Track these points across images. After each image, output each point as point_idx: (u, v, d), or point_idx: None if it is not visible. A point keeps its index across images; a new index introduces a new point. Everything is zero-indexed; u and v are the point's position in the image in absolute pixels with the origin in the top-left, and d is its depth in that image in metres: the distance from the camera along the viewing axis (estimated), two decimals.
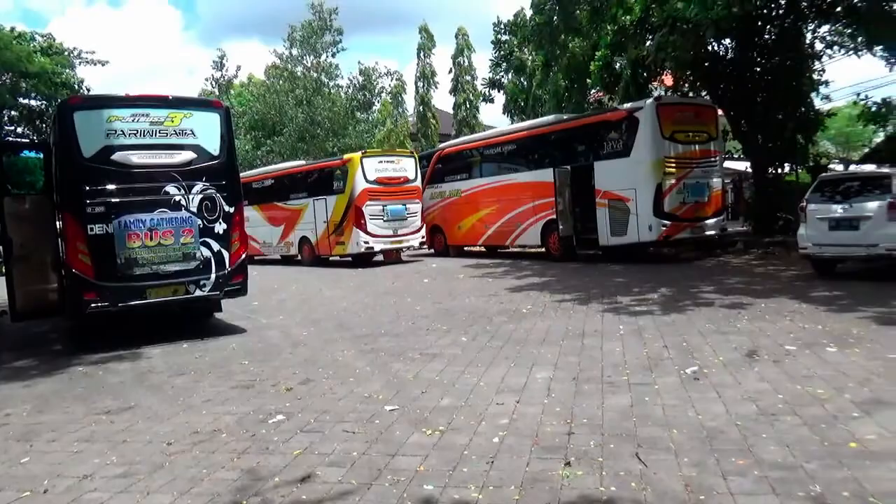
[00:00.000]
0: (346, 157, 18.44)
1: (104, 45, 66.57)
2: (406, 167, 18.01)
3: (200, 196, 8.49)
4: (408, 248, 18.32)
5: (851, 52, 16.72)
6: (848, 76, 60.63)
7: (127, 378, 6.76)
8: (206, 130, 8.66)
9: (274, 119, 34.65)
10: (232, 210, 8.76)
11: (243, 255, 9.00)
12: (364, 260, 18.15)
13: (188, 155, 8.49)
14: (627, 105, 14.87)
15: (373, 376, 6.11)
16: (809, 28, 17.23)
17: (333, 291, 13.04)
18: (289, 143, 33.45)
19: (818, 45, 17.54)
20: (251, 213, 19.41)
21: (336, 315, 10.09)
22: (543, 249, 16.55)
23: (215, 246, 8.61)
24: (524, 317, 8.73)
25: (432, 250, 19.98)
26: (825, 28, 17.08)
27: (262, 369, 6.72)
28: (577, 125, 15.83)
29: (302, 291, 13.57)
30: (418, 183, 18.28)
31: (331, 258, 19.02)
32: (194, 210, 8.43)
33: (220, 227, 8.65)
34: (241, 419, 5.02)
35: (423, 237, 18.34)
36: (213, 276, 8.58)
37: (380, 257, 18.63)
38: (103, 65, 24.92)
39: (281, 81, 35.11)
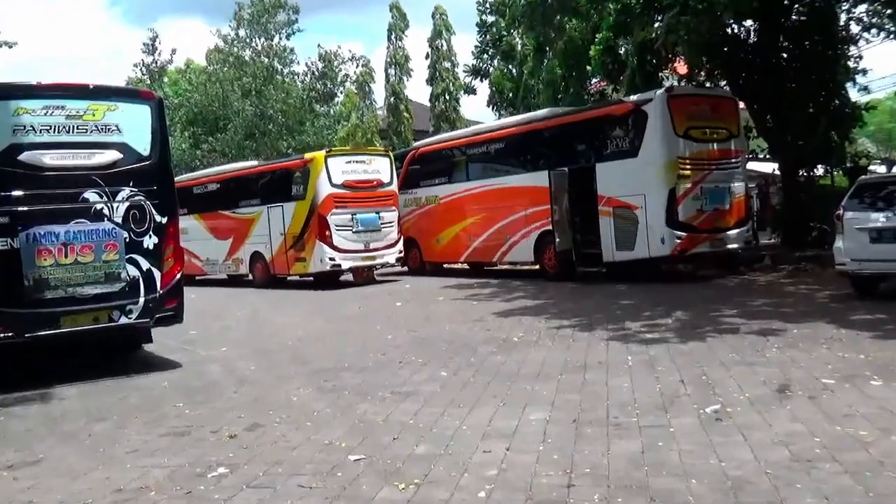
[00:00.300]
0: (307, 156, 18.43)
1: (12, 25, 66.05)
2: (379, 168, 18.01)
3: (127, 204, 8.43)
4: (382, 264, 18.24)
5: (892, 36, 17.12)
6: (888, 64, 61.99)
7: (34, 424, 6.64)
8: (133, 126, 8.62)
9: (217, 112, 34.60)
10: (165, 220, 8.72)
11: (179, 275, 8.96)
12: (329, 280, 18.03)
13: (112, 155, 8.44)
14: (634, 97, 15.05)
15: (334, 420, 6.07)
16: (843, 8, 17.60)
17: (289, 317, 12.95)
18: (234, 142, 33.40)
19: (854, 28, 17.91)
20: (190, 224, 19.28)
21: (291, 346, 10.02)
22: (537, 266, 16.59)
23: (144, 264, 8.54)
24: (515, 346, 8.73)
25: (405, 268, 19.93)
26: (861, 8, 17.45)
27: (200, 412, 6.64)
28: (576, 120, 15.96)
29: (251, 317, 13.46)
30: (394, 187, 18.28)
31: (289, 278, 18.90)
32: (119, 221, 8.37)
33: (150, 241, 8.59)
34: (174, 473, 4.94)
35: (400, 251, 18.25)
36: (141, 299, 8.49)
37: (348, 277, 18.50)
38: (10, 47, 24.46)
39: (225, 68, 35.10)
